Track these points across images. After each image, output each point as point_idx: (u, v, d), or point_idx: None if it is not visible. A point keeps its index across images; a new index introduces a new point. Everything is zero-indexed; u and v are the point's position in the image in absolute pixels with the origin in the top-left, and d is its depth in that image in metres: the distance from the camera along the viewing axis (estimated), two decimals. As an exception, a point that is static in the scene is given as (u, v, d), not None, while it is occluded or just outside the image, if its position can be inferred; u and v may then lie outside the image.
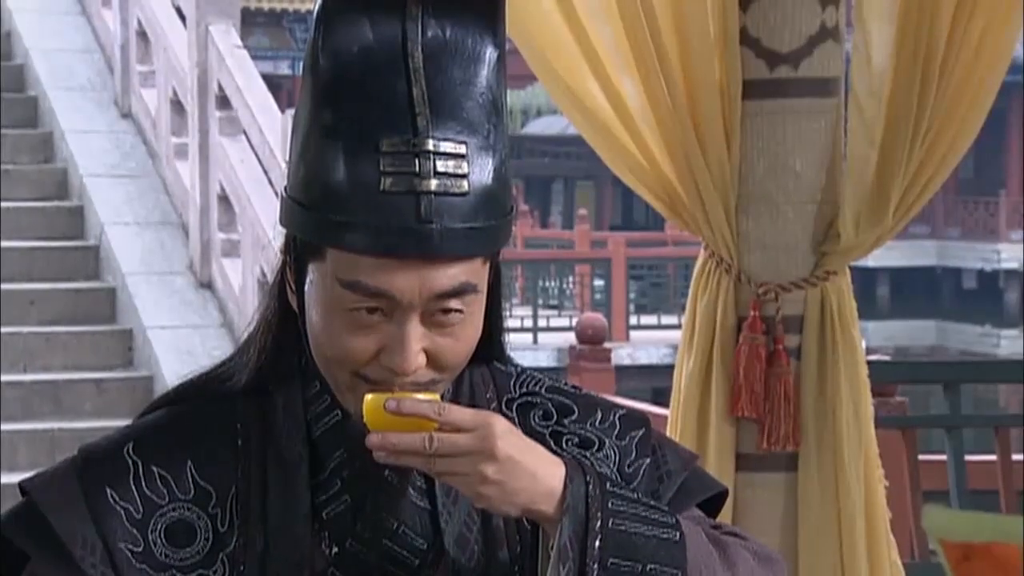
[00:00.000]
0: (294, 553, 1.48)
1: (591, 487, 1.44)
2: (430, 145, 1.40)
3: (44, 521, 1.48)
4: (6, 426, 7.00)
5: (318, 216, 1.43)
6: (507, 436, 1.42)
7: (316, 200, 1.43)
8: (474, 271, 1.44)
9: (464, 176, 1.41)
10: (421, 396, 1.42)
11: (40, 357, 7.68)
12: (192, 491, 1.49)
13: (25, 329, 7.75)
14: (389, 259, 1.41)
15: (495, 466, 1.41)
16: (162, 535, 1.48)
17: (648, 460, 1.57)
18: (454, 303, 1.43)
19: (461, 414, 1.42)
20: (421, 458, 1.40)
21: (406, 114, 1.41)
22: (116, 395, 7.44)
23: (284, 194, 1.48)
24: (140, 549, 1.47)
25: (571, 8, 2.92)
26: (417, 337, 1.43)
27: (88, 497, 1.48)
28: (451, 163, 1.41)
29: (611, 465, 1.55)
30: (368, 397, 1.42)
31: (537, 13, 2.94)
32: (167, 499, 1.49)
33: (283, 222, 1.48)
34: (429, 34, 1.42)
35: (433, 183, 1.40)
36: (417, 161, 1.40)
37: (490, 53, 1.44)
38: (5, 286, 7.93)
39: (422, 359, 1.44)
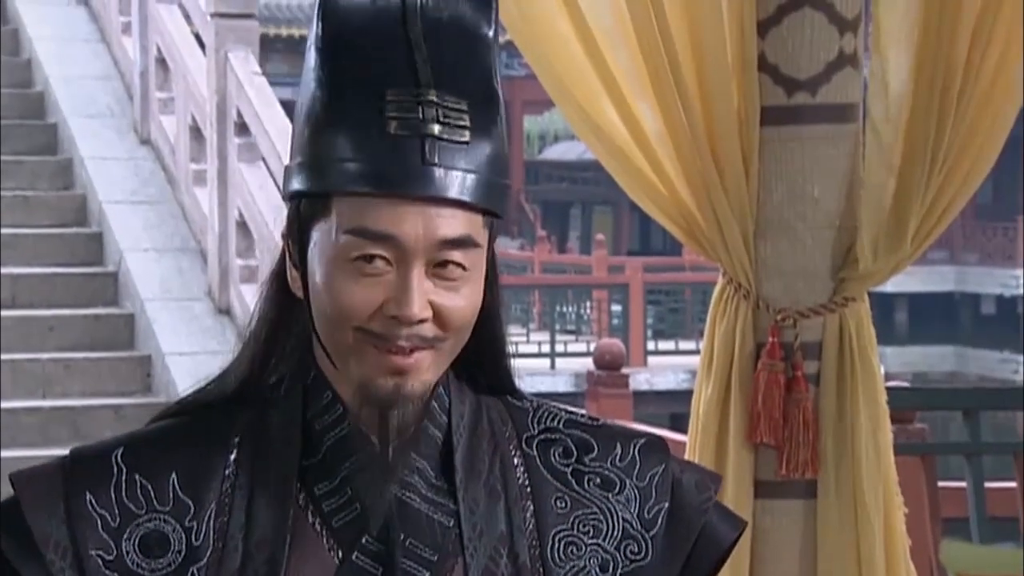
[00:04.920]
0: (271, 572, 1.48)
1: None
2: (433, 96, 1.45)
3: (24, 518, 1.50)
4: (24, 452, 7.00)
5: (324, 165, 1.46)
6: None
7: (321, 151, 1.46)
8: (475, 226, 1.46)
9: (466, 127, 1.45)
10: None
11: (59, 383, 7.70)
12: (171, 503, 1.50)
13: (44, 355, 7.76)
14: (394, 200, 1.43)
15: None
16: (135, 544, 1.49)
17: (667, 505, 1.57)
18: (457, 255, 1.45)
19: None
20: None
21: (409, 71, 1.45)
22: (134, 421, 7.45)
23: (287, 168, 1.51)
24: (112, 557, 1.48)
25: (588, 34, 2.92)
26: (422, 285, 1.45)
27: (68, 499, 1.50)
28: (453, 114, 1.45)
29: (632, 510, 1.56)
30: None
31: (555, 38, 2.95)
32: (145, 509, 1.50)
33: (286, 192, 1.50)
34: (428, 15, 1.47)
35: (436, 128, 1.44)
36: (421, 108, 1.44)
37: (486, 34, 1.48)
38: (24, 312, 7.95)
39: (428, 312, 1.45)
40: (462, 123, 1.45)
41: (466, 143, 1.45)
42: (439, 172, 1.44)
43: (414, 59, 1.45)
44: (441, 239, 1.44)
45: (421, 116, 1.44)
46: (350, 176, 1.44)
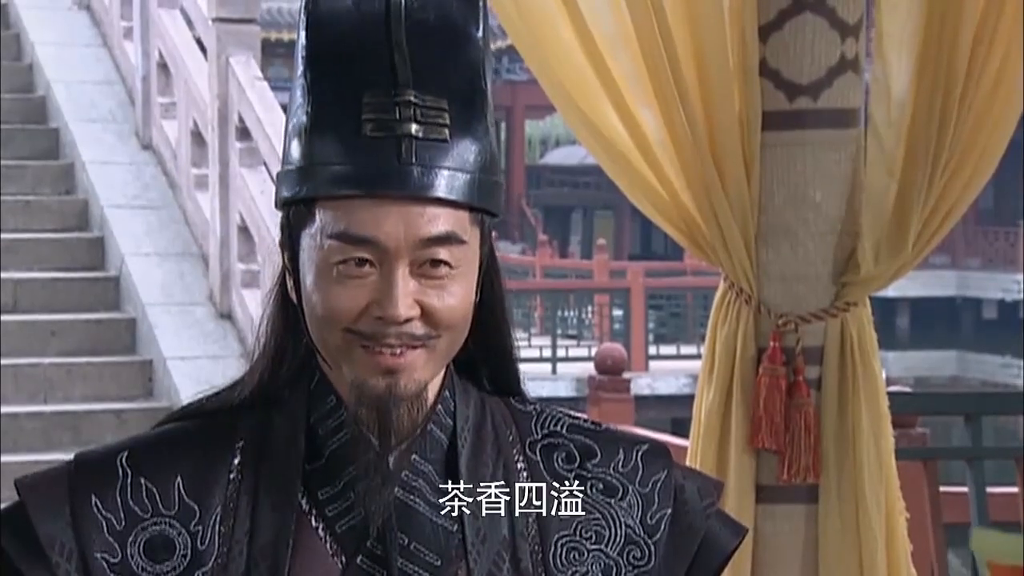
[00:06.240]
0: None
1: None
2: (411, 97, 1.45)
3: (29, 522, 1.50)
4: (25, 457, 7.00)
5: (304, 170, 1.48)
6: None
7: (305, 158, 1.48)
8: (460, 223, 1.47)
9: (445, 126, 1.46)
10: None
11: (60, 388, 7.70)
12: (176, 507, 1.51)
13: (45, 360, 7.77)
14: (373, 202, 1.44)
15: None
16: (141, 548, 1.49)
17: (669, 511, 1.58)
18: (442, 253, 1.46)
19: None
20: None
21: (387, 74, 1.46)
22: (136, 426, 7.45)
23: (278, 175, 1.52)
24: (117, 560, 1.49)
25: (590, 38, 2.92)
26: (406, 285, 1.45)
27: (73, 503, 1.50)
28: (432, 113, 1.46)
29: (635, 516, 1.56)
30: None
31: (556, 43, 2.95)
32: (150, 513, 1.50)
33: (276, 200, 1.52)
34: (412, 16, 1.47)
35: (413, 127, 1.45)
36: (398, 109, 1.45)
37: (473, 33, 1.49)
38: (25, 317, 7.95)
39: (415, 311, 1.46)
40: (441, 121, 1.46)
41: (445, 141, 1.46)
42: (417, 171, 1.44)
43: (394, 60, 1.46)
44: (423, 238, 1.45)
45: (398, 116, 1.45)
46: (330, 180, 1.46)
